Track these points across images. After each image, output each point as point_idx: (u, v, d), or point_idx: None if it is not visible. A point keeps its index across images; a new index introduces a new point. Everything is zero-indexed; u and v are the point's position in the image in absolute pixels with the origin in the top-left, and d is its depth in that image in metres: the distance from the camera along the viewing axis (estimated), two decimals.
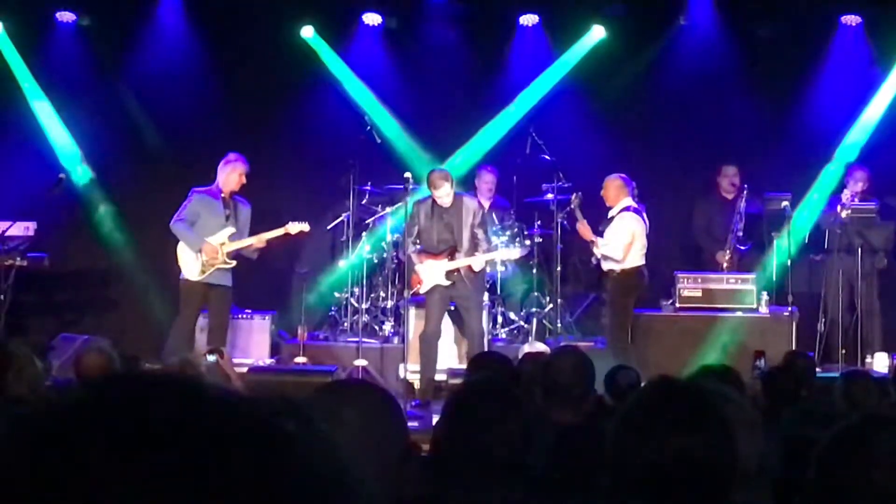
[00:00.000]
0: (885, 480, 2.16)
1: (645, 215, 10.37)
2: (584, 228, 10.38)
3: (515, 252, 10.73)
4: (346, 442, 0.93)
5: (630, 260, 10.18)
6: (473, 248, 9.90)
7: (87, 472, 0.78)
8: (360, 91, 12.31)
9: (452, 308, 10.19)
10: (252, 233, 10.09)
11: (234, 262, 9.94)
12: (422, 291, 9.98)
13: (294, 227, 10.06)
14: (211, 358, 8.09)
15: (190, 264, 9.89)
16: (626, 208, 10.27)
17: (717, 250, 11.38)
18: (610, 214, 10.37)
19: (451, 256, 9.91)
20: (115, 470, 0.78)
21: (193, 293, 9.95)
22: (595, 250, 10.30)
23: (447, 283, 9.89)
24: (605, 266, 10.28)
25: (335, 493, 0.84)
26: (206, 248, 9.81)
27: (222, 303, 10.03)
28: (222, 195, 9.96)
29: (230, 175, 9.94)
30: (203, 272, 9.85)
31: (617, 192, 10.31)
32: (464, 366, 9.86)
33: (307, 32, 12.30)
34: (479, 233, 9.92)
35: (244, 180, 9.99)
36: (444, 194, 9.82)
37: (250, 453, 0.81)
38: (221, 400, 0.86)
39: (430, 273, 9.90)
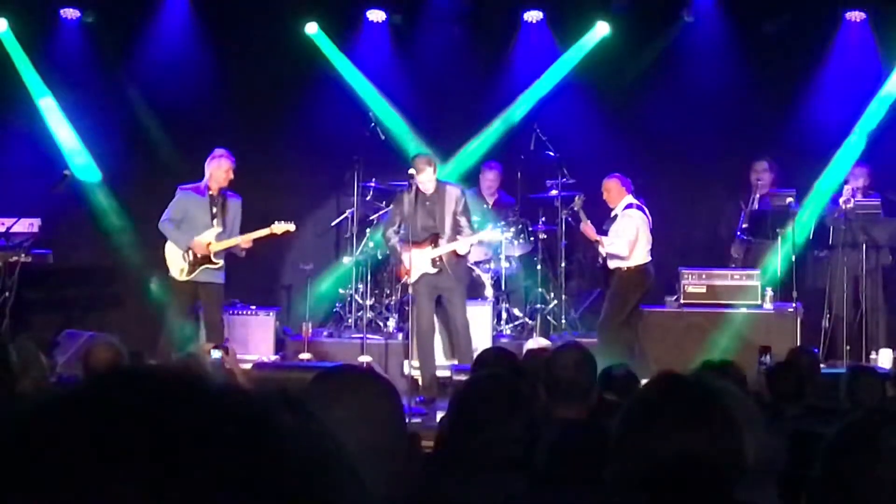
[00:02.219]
0: (891, 475, 2.16)
1: (646, 210, 10.38)
2: (588, 229, 10.39)
3: (497, 234, 10.69)
4: (345, 429, 0.93)
5: (636, 257, 10.18)
6: (455, 234, 9.88)
7: (85, 466, 0.78)
8: (364, 87, 12.31)
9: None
10: (243, 227, 10.04)
11: (221, 262, 9.88)
12: (410, 281, 9.94)
13: (279, 228, 9.95)
14: (216, 354, 8.08)
15: (177, 263, 9.87)
16: (629, 205, 10.28)
17: (732, 243, 11.43)
18: (613, 213, 10.38)
19: (435, 244, 9.89)
20: (113, 464, 0.78)
21: (182, 291, 9.95)
22: (601, 249, 10.30)
23: (434, 270, 9.85)
24: (612, 264, 10.28)
25: (335, 485, 0.84)
26: (195, 246, 9.77)
27: (214, 300, 9.99)
28: (210, 192, 9.88)
29: (216, 171, 9.85)
30: (191, 272, 9.83)
31: (618, 192, 10.35)
32: (451, 361, 9.91)
33: (311, 29, 12.30)
34: (462, 220, 9.89)
35: (231, 175, 9.88)
36: (427, 179, 9.80)
37: (248, 447, 0.81)
38: (220, 394, 0.86)
39: (416, 262, 9.87)
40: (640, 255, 10.22)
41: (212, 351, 8.19)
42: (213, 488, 0.79)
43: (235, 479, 0.80)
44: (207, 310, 9.97)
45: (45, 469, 0.78)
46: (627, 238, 10.11)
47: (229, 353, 8.44)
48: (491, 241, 10.90)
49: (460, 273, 10.09)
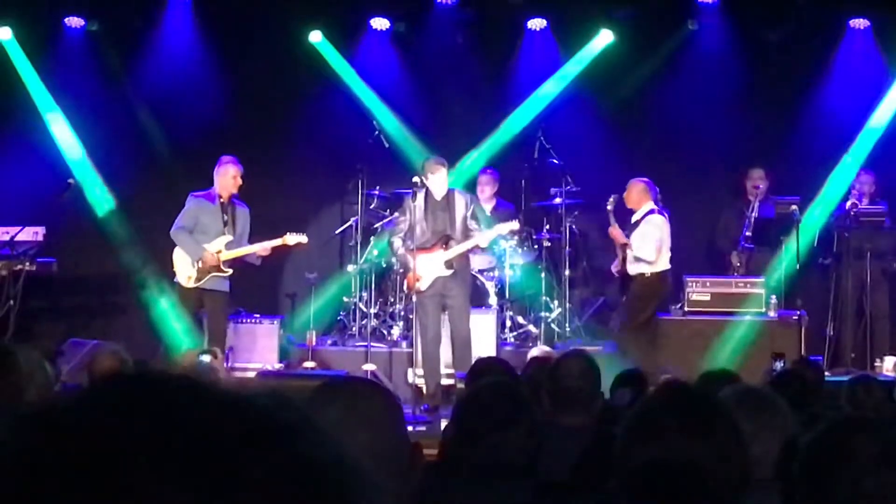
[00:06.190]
0: (865, 480, 2.17)
1: (668, 218, 10.37)
2: (616, 232, 10.37)
3: (514, 224, 10.41)
4: (347, 438, 0.93)
5: (660, 263, 10.19)
6: (466, 238, 9.86)
7: (88, 470, 0.78)
8: (368, 96, 12.31)
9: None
10: (253, 236, 10.07)
11: (230, 271, 9.92)
12: (423, 288, 9.89)
13: (292, 239, 10.03)
14: (204, 358, 8.10)
15: (185, 270, 9.90)
16: (651, 211, 10.28)
17: (733, 252, 11.42)
18: (634, 218, 10.36)
19: (446, 246, 9.84)
20: (117, 469, 0.78)
21: (188, 297, 9.96)
22: (629, 253, 10.26)
23: (448, 272, 9.79)
24: (634, 270, 10.24)
25: (343, 484, 0.85)
26: (205, 257, 9.80)
27: (219, 308, 10.01)
28: (220, 200, 9.95)
29: (223, 178, 9.93)
30: (199, 279, 9.85)
31: (640, 196, 10.33)
32: (450, 370, 9.86)
33: (315, 37, 12.31)
34: (473, 223, 9.87)
35: (240, 181, 9.97)
36: (439, 181, 9.76)
37: (254, 448, 0.82)
38: (222, 396, 0.86)
39: (428, 267, 9.82)
40: (663, 261, 10.23)
41: (200, 355, 8.22)
42: (227, 489, 0.79)
43: (250, 481, 0.80)
44: (212, 318, 9.98)
45: (53, 474, 0.79)
46: (654, 243, 10.12)
47: (217, 358, 8.44)
48: (513, 232, 10.61)
49: (467, 278, 10.08)
